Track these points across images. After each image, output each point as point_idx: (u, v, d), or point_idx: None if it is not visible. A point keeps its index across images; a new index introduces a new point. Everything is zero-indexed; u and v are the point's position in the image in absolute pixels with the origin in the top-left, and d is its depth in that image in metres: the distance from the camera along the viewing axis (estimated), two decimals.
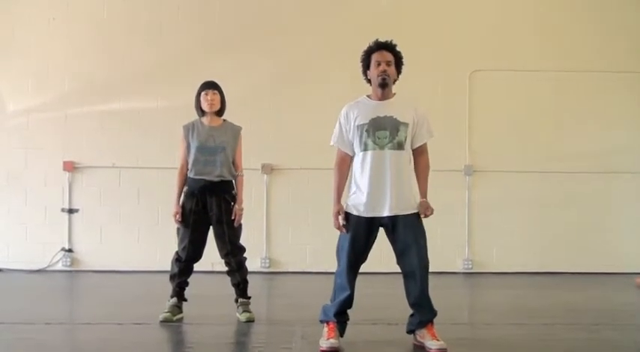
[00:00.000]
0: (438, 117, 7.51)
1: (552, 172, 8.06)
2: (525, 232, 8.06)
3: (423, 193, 4.28)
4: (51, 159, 7.91)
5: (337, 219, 4.23)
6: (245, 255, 5.16)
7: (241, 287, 5.13)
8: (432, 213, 4.21)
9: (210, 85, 5.11)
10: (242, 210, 5.10)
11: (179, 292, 5.08)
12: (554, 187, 8.08)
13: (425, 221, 4.28)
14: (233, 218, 5.03)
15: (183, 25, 8.08)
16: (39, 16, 8.02)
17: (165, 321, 4.90)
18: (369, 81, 4.34)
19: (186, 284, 5.13)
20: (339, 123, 4.32)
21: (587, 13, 8.26)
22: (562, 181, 8.07)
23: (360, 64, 4.35)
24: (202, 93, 5.09)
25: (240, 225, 5.10)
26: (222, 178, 5.03)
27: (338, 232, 4.30)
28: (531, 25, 8.22)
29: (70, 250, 7.91)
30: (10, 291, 6.77)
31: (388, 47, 4.28)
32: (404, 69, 4.37)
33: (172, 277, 5.11)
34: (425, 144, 4.33)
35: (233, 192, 5.11)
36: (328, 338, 4.14)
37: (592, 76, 8.12)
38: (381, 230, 4.28)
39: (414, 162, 4.32)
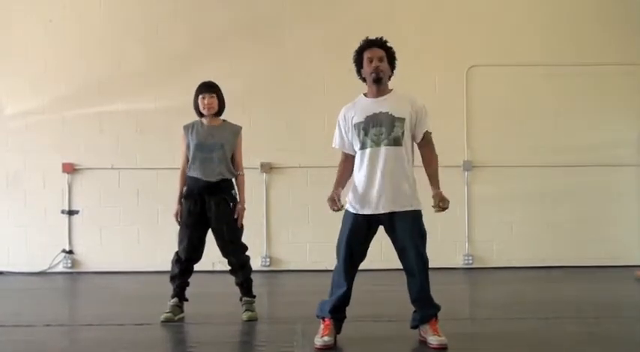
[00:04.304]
0: (436, 113, 7.45)
1: (551, 166, 8.06)
2: (525, 227, 8.06)
3: (435, 185, 4.19)
4: (50, 161, 7.91)
5: (332, 202, 4.15)
6: (247, 253, 5.16)
7: (245, 286, 5.14)
8: (447, 205, 4.09)
9: (207, 88, 5.08)
10: (244, 209, 5.11)
11: (180, 292, 5.08)
12: (554, 181, 8.09)
13: (424, 217, 4.26)
14: (235, 217, 5.04)
15: (179, 25, 8.08)
16: (36, 19, 8.02)
17: (166, 321, 4.90)
18: (364, 79, 4.33)
19: (187, 284, 5.13)
20: (339, 125, 4.33)
21: (584, 6, 8.26)
22: (561, 175, 8.07)
23: (354, 64, 4.34)
24: (200, 96, 5.08)
25: (241, 225, 5.10)
26: (222, 177, 5.03)
27: (338, 230, 4.29)
28: (528, 19, 8.22)
29: (70, 252, 7.92)
30: (10, 294, 6.77)
31: (378, 43, 4.27)
32: (401, 66, 4.36)
33: (173, 278, 5.11)
34: (428, 136, 4.28)
35: (233, 191, 5.10)
36: (322, 336, 4.15)
37: (590, 69, 8.12)
38: (381, 227, 4.27)
39: (421, 154, 4.30)
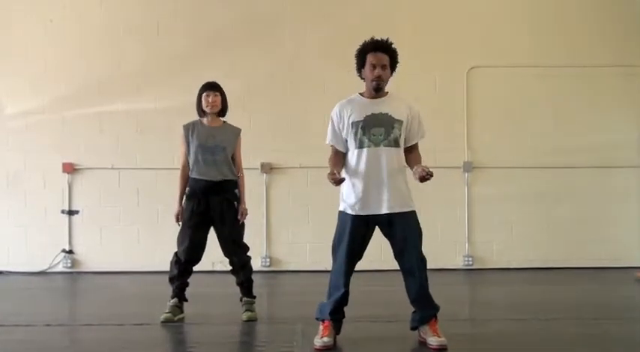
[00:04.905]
0: (437, 114, 7.58)
1: (551, 167, 8.06)
2: (525, 228, 8.06)
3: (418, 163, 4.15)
4: (50, 161, 7.90)
5: (332, 174, 4.01)
6: (249, 254, 5.16)
7: (245, 286, 5.14)
8: (431, 173, 3.99)
9: (211, 87, 5.09)
10: (246, 209, 5.12)
11: (179, 293, 5.08)
12: (553, 182, 8.09)
13: (425, 218, 4.27)
14: (238, 218, 5.05)
15: (179, 25, 8.08)
16: (36, 19, 8.02)
17: (166, 322, 4.89)
18: (362, 78, 4.31)
19: (186, 285, 5.13)
20: (332, 121, 4.30)
21: (583, 8, 8.25)
22: (561, 176, 8.07)
23: (355, 60, 4.31)
24: (204, 94, 5.08)
25: (242, 224, 5.11)
26: (225, 178, 5.03)
27: None
28: (528, 21, 8.21)
29: (70, 251, 7.92)
30: (10, 294, 6.76)
31: (383, 48, 4.21)
32: (401, 66, 4.33)
33: (172, 279, 5.11)
34: (416, 144, 4.32)
35: (235, 191, 5.11)
36: (322, 337, 4.15)
37: (589, 71, 8.12)
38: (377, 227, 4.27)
39: (406, 159, 4.28)
